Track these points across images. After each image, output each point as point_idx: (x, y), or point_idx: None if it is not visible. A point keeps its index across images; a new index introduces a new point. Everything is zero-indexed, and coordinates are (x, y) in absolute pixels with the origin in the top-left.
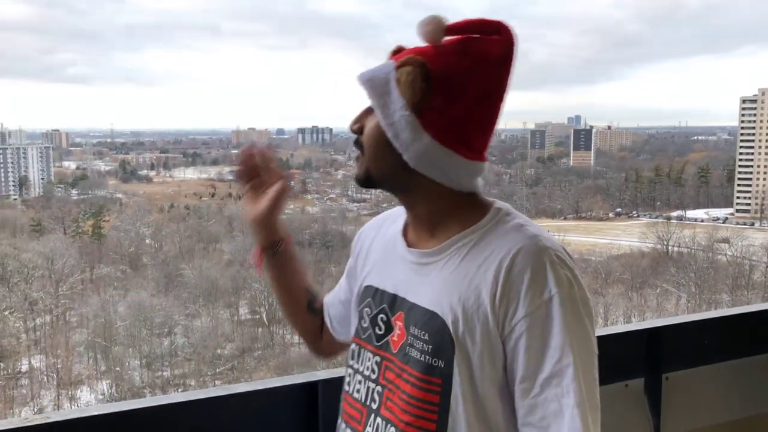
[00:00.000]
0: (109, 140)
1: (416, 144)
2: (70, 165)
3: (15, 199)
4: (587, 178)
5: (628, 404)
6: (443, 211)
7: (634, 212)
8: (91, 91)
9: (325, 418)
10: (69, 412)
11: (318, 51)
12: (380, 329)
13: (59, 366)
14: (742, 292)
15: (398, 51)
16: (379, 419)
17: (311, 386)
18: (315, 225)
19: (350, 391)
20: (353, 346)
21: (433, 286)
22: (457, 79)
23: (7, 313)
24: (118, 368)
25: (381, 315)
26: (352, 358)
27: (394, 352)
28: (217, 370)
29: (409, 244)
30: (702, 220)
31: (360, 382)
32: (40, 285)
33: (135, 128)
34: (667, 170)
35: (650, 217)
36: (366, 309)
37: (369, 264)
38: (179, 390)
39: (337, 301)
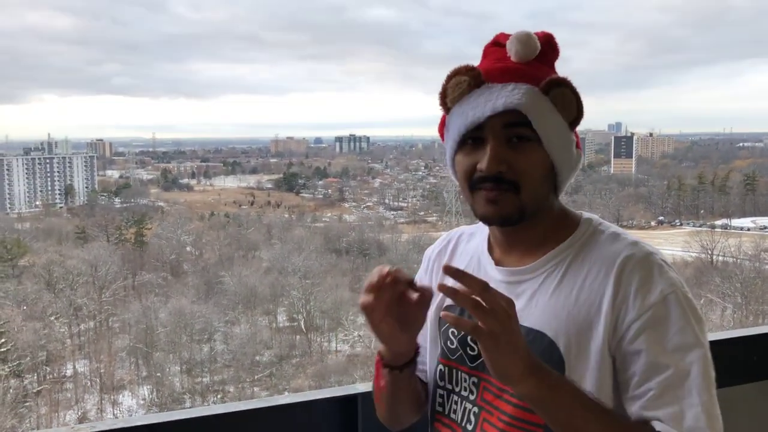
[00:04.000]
0: (151, 150)
1: (575, 165)
2: (114, 174)
3: (61, 207)
4: (628, 185)
5: None
6: (547, 227)
7: (677, 221)
8: (134, 101)
9: (365, 431)
10: (114, 421)
11: (356, 60)
12: (472, 350)
13: (102, 371)
14: None
15: (470, 69)
16: None
17: (351, 399)
18: (352, 233)
19: (445, 412)
20: (441, 367)
21: (534, 304)
22: None
23: (53, 318)
24: (158, 374)
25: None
26: (442, 380)
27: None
28: (256, 377)
29: (496, 262)
30: (748, 229)
31: (456, 403)
32: (84, 291)
33: (176, 138)
34: (711, 177)
35: (694, 226)
36: (452, 330)
37: (447, 282)
38: (218, 396)
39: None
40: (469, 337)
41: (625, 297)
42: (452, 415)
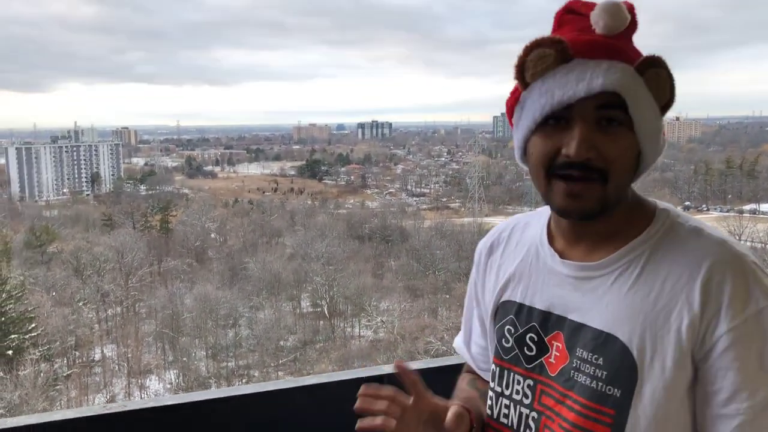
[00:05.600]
0: (175, 137)
1: (660, 153)
2: (139, 161)
3: (87, 195)
4: (654, 170)
5: None
6: (621, 218)
7: (704, 206)
8: (159, 89)
9: None
10: (145, 401)
11: (379, 45)
12: (530, 350)
13: (129, 355)
14: None
15: (556, 42)
16: None
17: (377, 380)
18: (374, 219)
19: (495, 416)
20: (493, 367)
21: (606, 304)
22: None
23: (81, 304)
24: (185, 358)
25: (530, 334)
26: (493, 380)
27: (553, 375)
28: (280, 362)
29: (560, 254)
30: None
31: (507, 407)
32: (111, 277)
33: (200, 125)
34: (739, 162)
35: (721, 211)
36: (508, 327)
37: (503, 276)
38: (243, 380)
39: (476, 339)
40: (528, 335)
41: (717, 307)
42: (503, 420)
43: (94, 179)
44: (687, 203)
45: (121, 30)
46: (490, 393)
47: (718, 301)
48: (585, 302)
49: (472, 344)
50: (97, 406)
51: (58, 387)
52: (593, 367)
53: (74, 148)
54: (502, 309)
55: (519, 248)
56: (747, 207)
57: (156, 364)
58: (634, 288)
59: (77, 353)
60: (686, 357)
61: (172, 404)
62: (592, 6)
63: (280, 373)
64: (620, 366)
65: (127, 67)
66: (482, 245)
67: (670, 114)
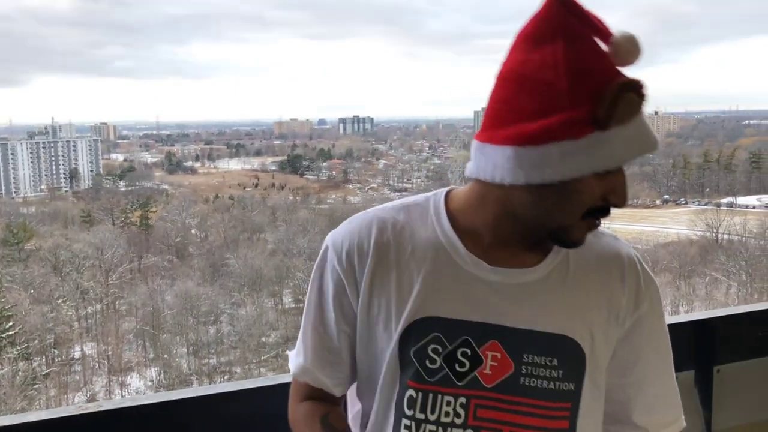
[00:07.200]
0: (155, 132)
1: None
2: (118, 157)
3: (66, 191)
4: (633, 164)
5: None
6: None
7: (682, 199)
8: (137, 84)
9: None
10: (121, 400)
11: (360, 39)
12: (462, 366)
13: (110, 353)
14: None
15: (642, 88)
16: None
17: None
18: None
19: None
20: (411, 392)
21: (549, 307)
22: None
23: (60, 301)
24: (166, 356)
25: (462, 349)
26: (412, 408)
27: (490, 386)
28: (262, 358)
29: (489, 262)
30: (754, 207)
31: None
32: (91, 274)
33: (180, 120)
34: (716, 156)
35: (699, 204)
36: (433, 346)
37: (409, 291)
38: (225, 377)
39: (336, 358)
40: (459, 351)
41: (634, 294)
42: None
43: (73, 175)
44: (666, 197)
45: (98, 24)
46: (407, 422)
47: (639, 290)
48: (526, 308)
49: (329, 365)
50: (72, 406)
51: (36, 386)
52: (548, 369)
53: (51, 144)
54: (419, 327)
55: (417, 255)
56: (724, 200)
57: (137, 362)
58: (570, 286)
59: (56, 351)
60: (615, 339)
61: (149, 403)
62: (595, 19)
63: (262, 369)
64: (573, 362)
65: (106, 61)
66: (349, 247)
67: (649, 108)
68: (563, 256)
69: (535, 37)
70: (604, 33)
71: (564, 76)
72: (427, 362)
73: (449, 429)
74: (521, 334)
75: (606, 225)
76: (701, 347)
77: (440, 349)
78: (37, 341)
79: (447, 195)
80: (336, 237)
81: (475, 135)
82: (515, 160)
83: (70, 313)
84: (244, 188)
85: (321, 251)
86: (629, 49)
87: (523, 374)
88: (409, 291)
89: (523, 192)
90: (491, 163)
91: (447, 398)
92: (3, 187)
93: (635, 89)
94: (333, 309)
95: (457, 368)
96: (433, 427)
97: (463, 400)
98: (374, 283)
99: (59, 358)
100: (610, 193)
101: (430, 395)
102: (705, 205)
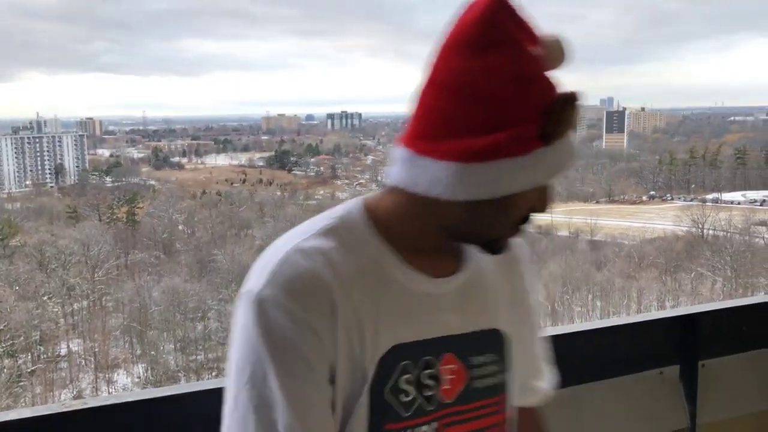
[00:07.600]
0: (141, 128)
1: None
2: (104, 153)
3: (51, 187)
4: (620, 160)
5: (663, 392)
6: None
7: (668, 195)
8: (124, 79)
9: None
10: (106, 398)
11: (348, 35)
12: (430, 389)
13: (96, 350)
14: None
15: (577, 96)
16: None
17: None
18: None
19: None
20: None
21: (476, 304)
22: None
23: (46, 298)
24: (153, 352)
25: (427, 371)
26: None
27: (450, 401)
28: None
29: (433, 274)
30: (738, 203)
31: None
32: (77, 271)
33: (167, 116)
34: (702, 152)
35: (685, 200)
36: (405, 377)
37: (373, 328)
38: (213, 374)
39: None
40: (423, 372)
41: (529, 274)
42: None
43: (58, 171)
44: (652, 193)
45: (84, 19)
46: None
47: (530, 270)
48: (464, 312)
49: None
50: (57, 404)
51: (22, 383)
52: (492, 366)
53: (37, 140)
54: (387, 361)
55: (359, 283)
56: (709, 196)
57: (124, 359)
58: (486, 279)
59: (42, 348)
60: (516, 321)
61: (135, 400)
62: (527, 23)
63: None
64: (506, 350)
65: (92, 56)
66: (311, 304)
67: (636, 105)
68: (472, 251)
69: (477, 43)
70: (534, 38)
71: (511, 89)
72: (402, 396)
73: None
74: (466, 339)
75: (593, 221)
76: (686, 342)
77: (411, 378)
78: (22, 338)
79: (365, 207)
80: (274, 286)
81: (402, 139)
82: (458, 176)
83: (56, 309)
84: (232, 184)
85: (251, 319)
86: (558, 54)
87: (474, 378)
88: (363, 325)
89: (459, 206)
90: (428, 176)
91: (423, 429)
92: None
93: (574, 101)
94: (315, 377)
95: (426, 392)
96: None
97: (435, 425)
98: (342, 334)
99: (45, 355)
100: (539, 201)
101: (407, 430)
102: (691, 201)
